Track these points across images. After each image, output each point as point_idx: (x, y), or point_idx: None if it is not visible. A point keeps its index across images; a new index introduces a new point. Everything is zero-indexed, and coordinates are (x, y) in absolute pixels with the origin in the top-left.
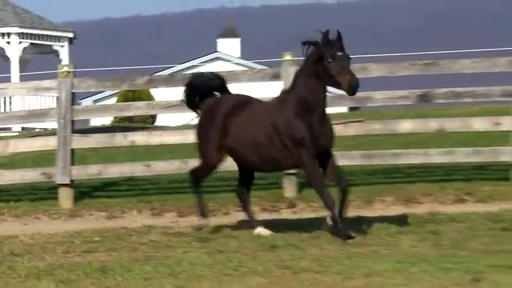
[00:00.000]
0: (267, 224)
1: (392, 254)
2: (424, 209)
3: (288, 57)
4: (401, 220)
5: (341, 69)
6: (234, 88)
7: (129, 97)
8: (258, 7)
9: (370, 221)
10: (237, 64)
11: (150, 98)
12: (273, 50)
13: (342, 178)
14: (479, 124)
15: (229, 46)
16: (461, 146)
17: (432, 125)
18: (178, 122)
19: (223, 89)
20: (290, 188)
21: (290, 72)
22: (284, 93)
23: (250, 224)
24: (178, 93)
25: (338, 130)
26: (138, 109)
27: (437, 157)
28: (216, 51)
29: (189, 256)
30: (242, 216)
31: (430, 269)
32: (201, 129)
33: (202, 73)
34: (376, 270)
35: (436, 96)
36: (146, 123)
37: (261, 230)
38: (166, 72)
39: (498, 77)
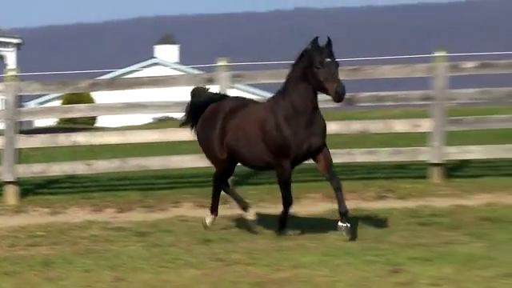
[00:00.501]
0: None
1: (318, 247)
2: (348, 205)
3: (222, 62)
4: (327, 216)
5: (329, 75)
6: (172, 92)
7: (72, 100)
8: (194, 15)
9: (298, 216)
10: (174, 69)
11: (91, 100)
12: (209, 55)
13: (334, 176)
14: (400, 126)
15: (167, 52)
16: (382, 147)
17: (356, 126)
18: (118, 124)
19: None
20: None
21: (223, 76)
22: (276, 95)
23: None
24: (118, 96)
25: None
26: (80, 111)
27: (360, 156)
28: (154, 57)
29: (127, 249)
30: (177, 212)
31: (354, 261)
32: (204, 131)
33: (201, 92)
34: (303, 262)
35: (360, 99)
36: (88, 124)
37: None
38: (107, 76)
39: (417, 82)
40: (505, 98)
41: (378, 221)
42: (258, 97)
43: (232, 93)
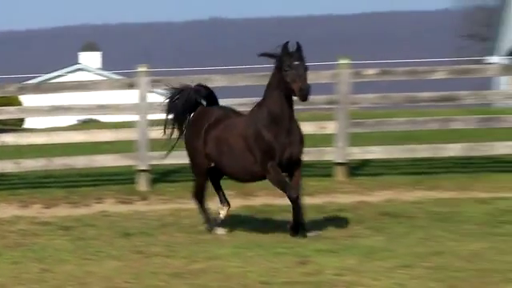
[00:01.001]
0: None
1: (232, 240)
2: (259, 201)
3: (142, 68)
4: (239, 211)
5: (296, 77)
6: (95, 96)
7: (1, 103)
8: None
9: (212, 212)
10: (97, 74)
11: (19, 103)
12: (129, 62)
13: (298, 190)
14: (307, 127)
15: (90, 59)
16: None
17: None
18: (45, 125)
19: (211, 98)
20: (142, 183)
21: (143, 81)
22: (256, 105)
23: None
24: (45, 99)
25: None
26: (9, 113)
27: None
28: (78, 63)
29: (53, 243)
30: (100, 207)
31: (264, 253)
32: (189, 139)
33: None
34: (218, 254)
35: None
36: (17, 126)
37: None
38: (35, 81)
39: (322, 87)
40: (403, 102)
41: (286, 216)
42: None
43: (151, 97)
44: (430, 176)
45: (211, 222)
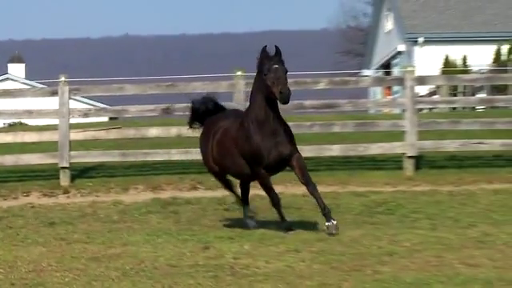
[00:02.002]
0: (47, 206)
1: (143, 228)
2: (167, 194)
3: (62, 78)
4: (149, 203)
5: (275, 80)
6: (21, 102)
7: None
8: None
9: (125, 204)
10: (23, 83)
11: None
12: (51, 73)
13: (309, 181)
14: None
15: (16, 70)
16: (195, 147)
17: (173, 131)
18: None
19: (218, 108)
20: (64, 179)
21: (64, 90)
22: (246, 109)
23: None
24: None
25: (101, 134)
26: None
27: (176, 155)
28: (6, 73)
29: None
30: (27, 200)
31: (172, 240)
32: (201, 146)
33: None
34: (131, 240)
35: (176, 109)
36: None
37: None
38: None
39: (222, 95)
40: (291, 109)
41: (191, 207)
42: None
43: (72, 103)
44: (314, 173)
45: (248, 213)
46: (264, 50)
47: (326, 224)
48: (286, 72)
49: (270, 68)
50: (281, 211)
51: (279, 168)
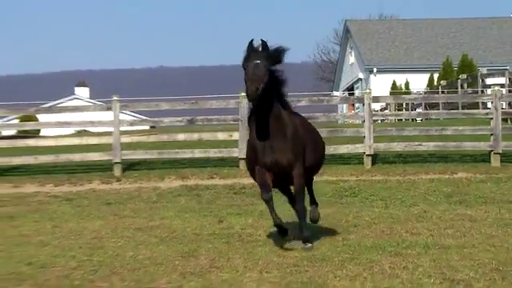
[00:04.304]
0: (105, 191)
1: (174, 207)
2: (192, 182)
3: (115, 97)
4: (179, 188)
5: (246, 77)
6: (85, 115)
7: (25, 119)
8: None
9: (162, 189)
10: (87, 102)
11: (36, 120)
12: (108, 94)
13: (298, 200)
14: (221, 135)
15: (82, 92)
16: (211, 148)
17: (195, 136)
18: (54, 133)
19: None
20: (117, 171)
21: (116, 106)
22: None
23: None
24: (54, 117)
25: (143, 138)
26: (30, 126)
27: (198, 154)
28: (74, 94)
29: (60, 209)
30: (90, 186)
31: (196, 215)
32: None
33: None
34: (166, 216)
35: (198, 120)
36: (35, 134)
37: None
38: (46, 105)
39: (231, 110)
40: None
41: (210, 191)
42: (136, 118)
43: (122, 116)
44: None
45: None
46: (250, 44)
47: (302, 246)
48: (258, 69)
49: (248, 63)
50: (272, 214)
51: (280, 176)
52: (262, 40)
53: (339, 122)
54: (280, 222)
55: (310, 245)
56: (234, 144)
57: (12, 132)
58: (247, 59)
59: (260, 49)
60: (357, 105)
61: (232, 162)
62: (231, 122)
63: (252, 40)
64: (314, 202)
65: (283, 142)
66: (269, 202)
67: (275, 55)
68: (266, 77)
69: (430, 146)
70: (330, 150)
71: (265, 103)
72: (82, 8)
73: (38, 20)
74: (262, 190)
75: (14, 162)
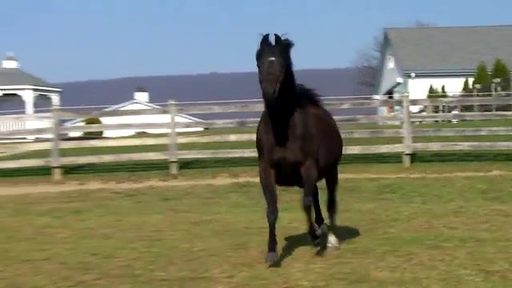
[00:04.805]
0: (162, 187)
1: (226, 202)
2: (242, 179)
3: (171, 101)
4: (230, 186)
5: (260, 75)
6: (144, 118)
7: (90, 121)
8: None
9: (215, 186)
10: (146, 105)
11: (100, 122)
12: (164, 98)
13: (306, 195)
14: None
15: (141, 96)
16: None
17: (245, 136)
18: (116, 135)
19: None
20: (173, 169)
21: (172, 109)
22: None
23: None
24: (116, 120)
25: (197, 139)
26: (94, 128)
27: (248, 153)
28: (134, 99)
29: (122, 204)
30: (149, 183)
31: (246, 210)
32: None
33: None
34: (219, 211)
35: (248, 122)
36: (98, 135)
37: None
38: (108, 109)
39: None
40: None
41: (259, 188)
42: (191, 121)
43: (178, 118)
44: (341, 166)
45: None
46: (265, 38)
47: (316, 241)
48: (276, 66)
49: (263, 60)
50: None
51: (290, 175)
52: (275, 34)
53: (379, 123)
54: (275, 246)
55: (320, 246)
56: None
57: (78, 133)
58: (261, 56)
59: (274, 44)
60: (396, 107)
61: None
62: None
63: (267, 35)
64: (329, 215)
65: (293, 140)
66: (273, 226)
67: (288, 50)
68: (282, 75)
69: (465, 146)
70: (370, 149)
71: (280, 102)
72: (142, 21)
73: (101, 31)
74: (263, 192)
75: (80, 161)
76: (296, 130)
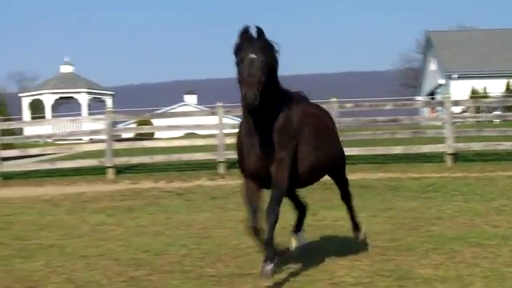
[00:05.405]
0: (211, 186)
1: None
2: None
3: (219, 103)
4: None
5: (241, 75)
6: (193, 120)
7: (141, 123)
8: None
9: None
10: (194, 107)
11: (151, 124)
12: (212, 100)
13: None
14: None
15: (190, 99)
16: None
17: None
18: (165, 136)
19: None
20: (221, 169)
21: (220, 111)
22: None
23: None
24: (165, 121)
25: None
26: (145, 130)
27: None
28: (183, 101)
29: (172, 203)
30: (197, 183)
31: (291, 209)
32: None
33: None
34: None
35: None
36: (150, 136)
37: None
38: (159, 111)
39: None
40: (367, 123)
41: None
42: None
43: (225, 120)
44: (384, 165)
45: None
46: (244, 31)
47: (261, 266)
48: (265, 64)
49: (242, 58)
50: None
51: (265, 177)
52: (257, 27)
53: (421, 124)
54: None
55: (268, 268)
56: None
57: (130, 135)
58: (239, 52)
59: (256, 38)
60: (438, 108)
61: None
62: None
63: (247, 27)
64: (356, 226)
65: (270, 137)
66: (258, 236)
67: (273, 47)
68: (264, 76)
69: (507, 146)
70: (413, 149)
71: (262, 106)
72: (193, 26)
73: (154, 36)
74: (249, 221)
75: (132, 161)
76: (276, 128)
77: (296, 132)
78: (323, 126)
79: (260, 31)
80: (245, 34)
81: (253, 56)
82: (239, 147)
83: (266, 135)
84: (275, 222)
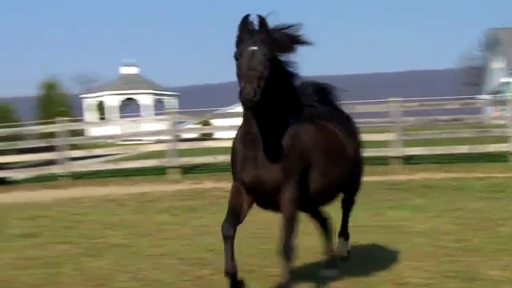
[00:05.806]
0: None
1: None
2: None
3: None
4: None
5: (239, 70)
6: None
7: (202, 123)
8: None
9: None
10: None
11: (211, 124)
12: None
13: (285, 215)
14: (373, 137)
15: None
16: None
17: None
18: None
19: None
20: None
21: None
22: None
23: None
24: (225, 121)
25: None
26: (206, 130)
27: None
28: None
29: None
30: None
31: (356, 208)
32: None
33: None
34: (326, 209)
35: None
36: (210, 136)
37: None
38: (219, 111)
39: (378, 113)
40: (430, 122)
41: (366, 187)
42: None
43: None
44: (448, 165)
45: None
46: (244, 20)
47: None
48: (268, 57)
49: (242, 50)
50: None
51: (264, 198)
52: (259, 16)
53: (485, 123)
54: (233, 271)
55: None
56: (384, 144)
57: (193, 135)
58: (240, 44)
59: (258, 29)
60: (502, 107)
61: (381, 160)
62: (380, 124)
63: (247, 16)
64: (343, 232)
65: (272, 154)
66: (228, 239)
67: (281, 38)
68: (266, 71)
69: None
70: (478, 148)
71: (263, 106)
72: None
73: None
74: (225, 220)
75: (195, 161)
76: (282, 147)
77: (304, 154)
78: (337, 146)
79: (262, 20)
80: (245, 23)
81: (253, 48)
82: (233, 154)
83: (268, 151)
84: (290, 258)
